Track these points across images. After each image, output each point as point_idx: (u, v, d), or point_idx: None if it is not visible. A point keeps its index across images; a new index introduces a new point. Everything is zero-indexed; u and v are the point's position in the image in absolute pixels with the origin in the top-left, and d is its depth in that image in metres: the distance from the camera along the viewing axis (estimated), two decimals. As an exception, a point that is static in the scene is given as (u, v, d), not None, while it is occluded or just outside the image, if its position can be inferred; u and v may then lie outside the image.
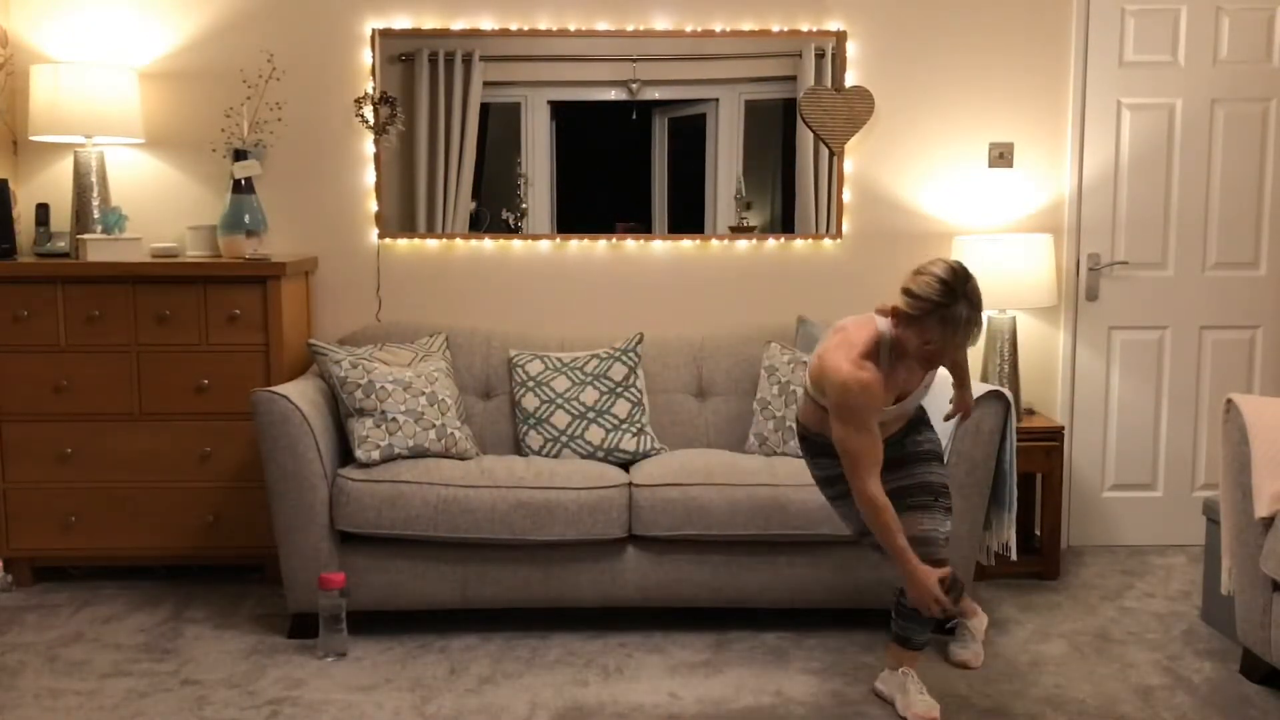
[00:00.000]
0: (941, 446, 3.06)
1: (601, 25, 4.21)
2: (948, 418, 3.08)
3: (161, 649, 3.43)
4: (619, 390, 3.84)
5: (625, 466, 3.68)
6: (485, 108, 4.27)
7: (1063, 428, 4.10)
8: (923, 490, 2.93)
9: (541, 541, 3.44)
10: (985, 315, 2.62)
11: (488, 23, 4.21)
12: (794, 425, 3.75)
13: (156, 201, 4.23)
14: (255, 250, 3.96)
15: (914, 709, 2.92)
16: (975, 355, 4.22)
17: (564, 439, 3.78)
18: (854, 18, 4.24)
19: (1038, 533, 4.22)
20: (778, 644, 3.46)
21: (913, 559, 2.77)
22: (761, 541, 3.47)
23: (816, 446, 2.99)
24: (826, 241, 4.32)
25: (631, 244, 4.32)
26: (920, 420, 3.04)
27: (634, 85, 4.27)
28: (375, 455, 3.53)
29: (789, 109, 4.29)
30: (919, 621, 2.95)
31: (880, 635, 3.47)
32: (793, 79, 4.27)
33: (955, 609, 2.83)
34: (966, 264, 2.72)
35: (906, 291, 2.65)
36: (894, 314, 2.70)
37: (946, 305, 2.58)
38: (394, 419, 3.57)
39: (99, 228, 3.97)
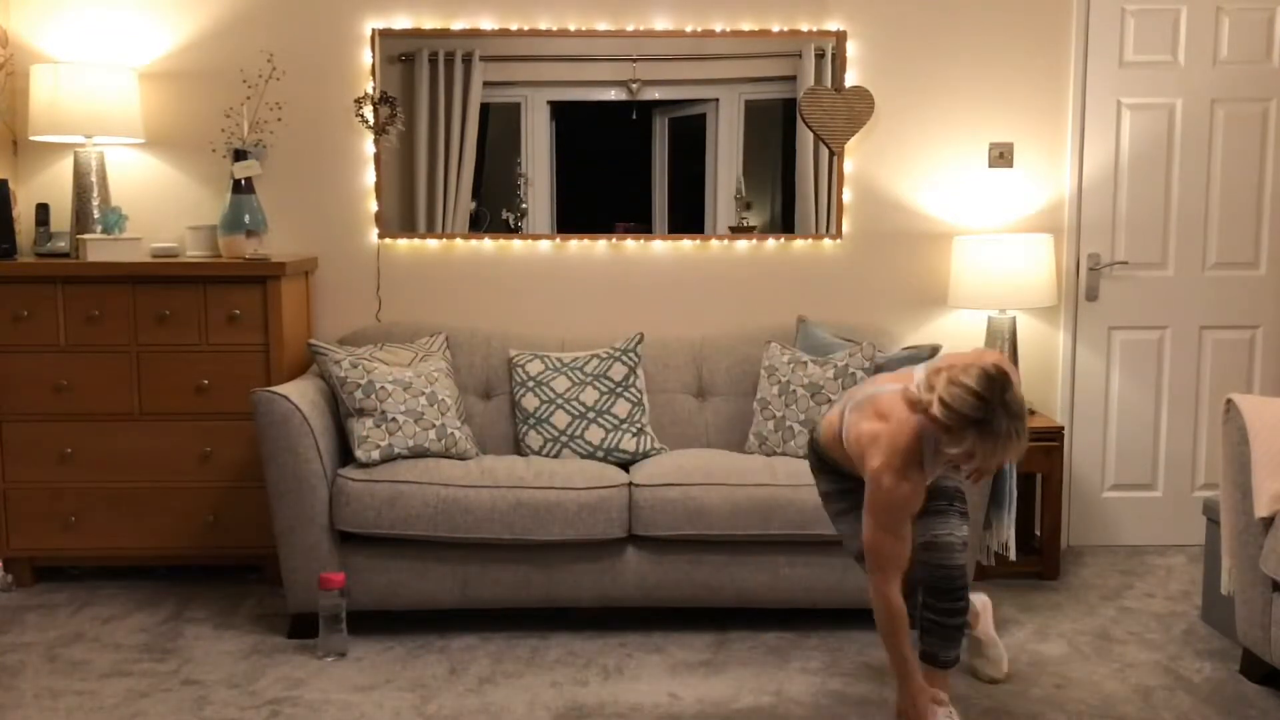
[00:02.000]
0: None
1: (601, 25, 4.21)
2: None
3: (161, 649, 3.43)
4: (619, 390, 3.84)
5: (625, 466, 3.68)
6: (485, 108, 4.27)
7: (1063, 428, 4.10)
8: (938, 495, 2.78)
9: (541, 541, 3.44)
10: (1026, 418, 2.41)
11: (488, 23, 4.21)
12: (795, 426, 3.75)
13: (156, 201, 4.23)
14: (255, 250, 3.95)
15: None
16: (975, 355, 4.22)
17: (564, 439, 3.78)
18: (854, 18, 4.24)
19: (1038, 533, 4.21)
20: (778, 644, 3.46)
21: (915, 674, 2.66)
22: (761, 541, 3.48)
23: (826, 463, 2.89)
24: (826, 241, 4.32)
25: (631, 244, 4.32)
26: None
27: (634, 85, 4.27)
28: (375, 455, 3.53)
29: (789, 109, 4.29)
30: (942, 637, 2.81)
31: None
32: (793, 79, 4.27)
33: None
34: (1003, 374, 2.42)
35: (941, 400, 2.41)
36: (930, 418, 2.46)
37: (983, 420, 2.36)
38: (394, 419, 3.57)
39: (99, 228, 3.97)
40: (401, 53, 4.22)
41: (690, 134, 4.33)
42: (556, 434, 3.78)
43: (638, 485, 3.49)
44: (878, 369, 3.79)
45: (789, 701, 3.08)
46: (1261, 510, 3.03)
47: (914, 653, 2.68)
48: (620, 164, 4.40)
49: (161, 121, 4.20)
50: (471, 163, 4.28)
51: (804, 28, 4.23)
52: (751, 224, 4.34)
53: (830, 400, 3.72)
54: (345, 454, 3.61)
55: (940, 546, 2.75)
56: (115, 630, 3.57)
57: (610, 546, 3.49)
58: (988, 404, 2.37)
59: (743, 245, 4.32)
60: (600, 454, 3.75)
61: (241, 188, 3.98)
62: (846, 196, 4.31)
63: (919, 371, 2.62)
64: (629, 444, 3.77)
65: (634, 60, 4.26)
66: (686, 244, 4.32)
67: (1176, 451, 4.44)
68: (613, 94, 4.30)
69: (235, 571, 4.07)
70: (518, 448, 3.87)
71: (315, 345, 3.70)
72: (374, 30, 4.18)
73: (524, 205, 4.33)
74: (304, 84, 4.20)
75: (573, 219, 4.33)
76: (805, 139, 4.27)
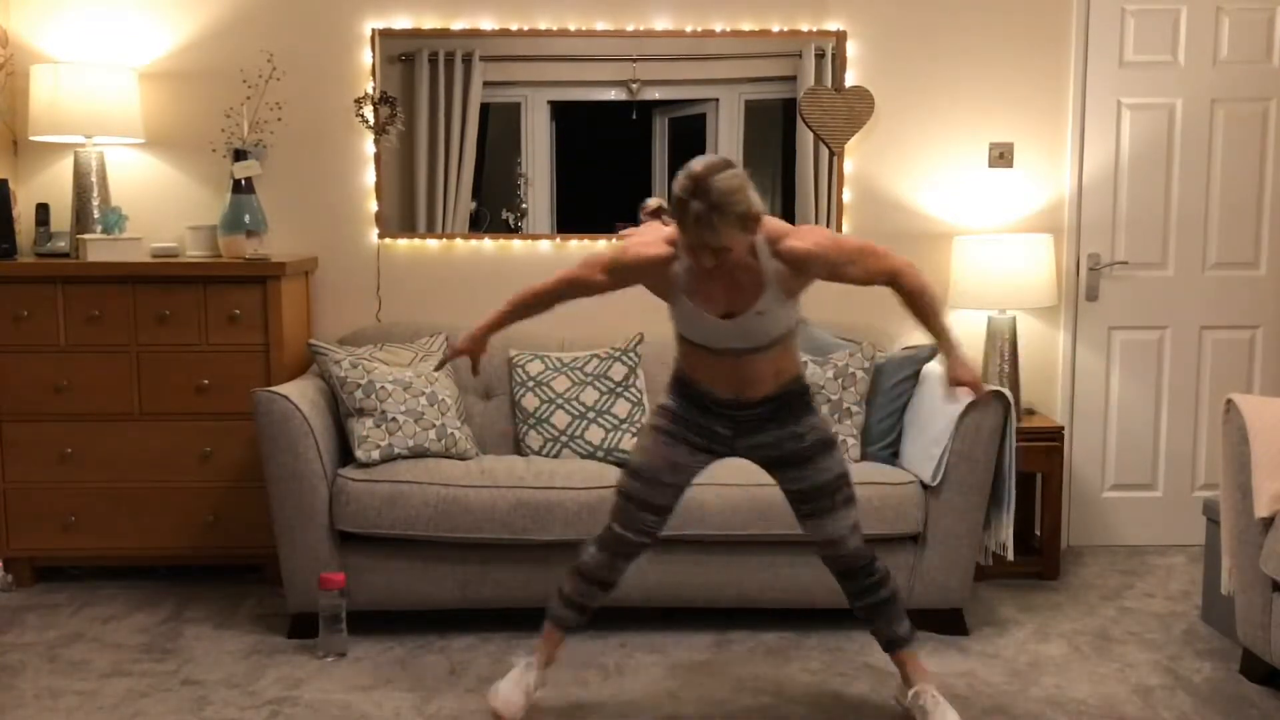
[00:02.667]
0: (829, 432, 2.86)
1: (601, 25, 4.21)
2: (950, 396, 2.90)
3: (161, 649, 3.43)
4: (619, 390, 3.84)
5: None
6: (485, 108, 4.27)
7: (1063, 428, 4.10)
8: (816, 495, 2.82)
9: (541, 541, 3.44)
10: (737, 210, 2.54)
11: (488, 23, 4.21)
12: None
13: (156, 201, 4.23)
14: (255, 250, 3.95)
15: None
16: (976, 356, 4.22)
17: (564, 439, 3.78)
18: (854, 18, 4.24)
19: (1038, 533, 4.22)
20: (778, 644, 3.46)
21: (502, 323, 2.92)
22: (761, 541, 3.47)
23: (675, 374, 3.04)
24: (826, 241, 4.31)
25: (631, 244, 4.31)
26: (800, 408, 2.84)
27: (634, 85, 4.27)
28: (375, 455, 3.53)
29: (789, 109, 4.29)
30: (878, 614, 2.89)
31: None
32: (793, 79, 4.27)
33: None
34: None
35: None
36: None
37: (684, 200, 2.51)
38: (394, 419, 3.57)
39: (99, 228, 3.97)
40: (401, 53, 4.22)
41: (690, 134, 4.33)
42: (556, 434, 3.78)
43: (638, 485, 3.49)
44: (877, 370, 3.80)
45: (789, 701, 3.08)
46: (1261, 510, 3.03)
47: (518, 314, 2.93)
48: (620, 164, 4.40)
49: (161, 121, 4.20)
50: (471, 163, 4.28)
51: (804, 28, 4.23)
52: (751, 224, 4.33)
53: (829, 400, 3.72)
54: (345, 454, 3.61)
55: (833, 543, 2.86)
56: (115, 630, 3.57)
57: (610, 546, 3.49)
58: (693, 184, 2.50)
59: (743, 245, 4.31)
60: (600, 454, 3.75)
61: (241, 188, 3.99)
62: (846, 196, 4.31)
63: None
64: (629, 444, 3.77)
65: (634, 60, 4.26)
66: (686, 244, 4.31)
67: (1176, 451, 4.44)
68: (613, 94, 4.30)
69: (235, 571, 4.07)
70: (518, 448, 3.87)
71: (315, 345, 3.70)
72: (374, 30, 4.18)
73: (524, 205, 4.33)
74: (304, 84, 4.20)
75: (573, 219, 4.33)
76: (805, 139, 4.27)
